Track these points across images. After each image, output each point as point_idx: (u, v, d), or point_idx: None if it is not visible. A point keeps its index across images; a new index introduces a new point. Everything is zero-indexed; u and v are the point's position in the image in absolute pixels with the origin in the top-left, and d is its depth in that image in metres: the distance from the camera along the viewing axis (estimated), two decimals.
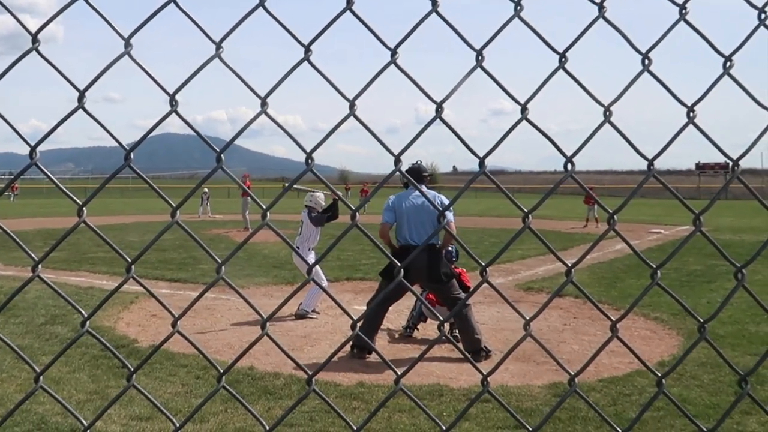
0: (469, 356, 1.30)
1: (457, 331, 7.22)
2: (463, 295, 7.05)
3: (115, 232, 21.12)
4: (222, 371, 1.18)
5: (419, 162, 7.46)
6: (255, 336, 1.18)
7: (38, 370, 1.11)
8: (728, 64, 1.30)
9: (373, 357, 6.72)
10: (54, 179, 1.12)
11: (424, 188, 7.10)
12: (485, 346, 6.91)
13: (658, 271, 1.32)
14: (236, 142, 1.32)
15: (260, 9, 1.17)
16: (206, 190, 30.65)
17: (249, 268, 12.85)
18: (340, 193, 1.52)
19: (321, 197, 9.29)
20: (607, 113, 1.26)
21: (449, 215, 6.77)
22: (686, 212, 1.31)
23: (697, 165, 68.66)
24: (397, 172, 1.19)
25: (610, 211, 1.27)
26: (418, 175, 7.14)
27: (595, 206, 24.27)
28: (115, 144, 1.15)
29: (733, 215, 30.13)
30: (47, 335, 7.47)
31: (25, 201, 47.48)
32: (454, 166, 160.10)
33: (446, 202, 6.68)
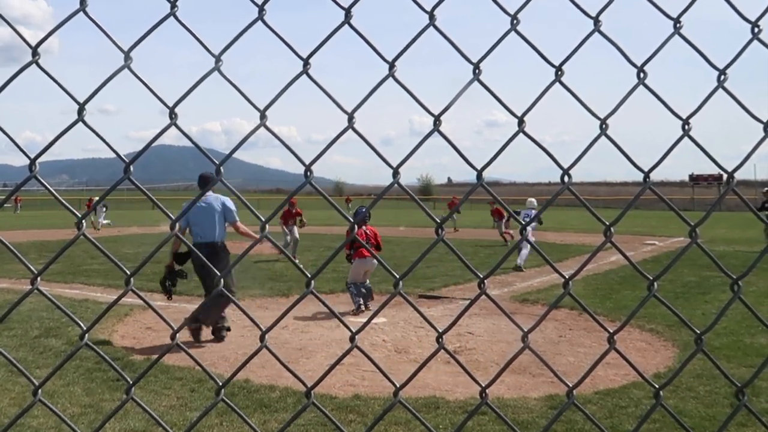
0: (467, 369, 1.30)
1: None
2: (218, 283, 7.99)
3: (110, 244, 21.04)
4: (221, 384, 1.18)
5: (208, 172, 8.11)
6: (250, 348, 1.19)
7: (37, 383, 1.11)
8: (722, 77, 1.31)
9: (368, 369, 6.70)
10: (54, 192, 1.12)
11: (209, 194, 7.97)
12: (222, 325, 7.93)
13: (655, 283, 1.33)
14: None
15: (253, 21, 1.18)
16: None
17: (244, 280, 12.80)
18: (340, 208, 1.47)
19: None
20: (603, 126, 1.27)
21: (235, 216, 7.98)
22: (680, 223, 1.31)
23: (691, 176, 69.05)
24: (396, 185, 1.19)
25: (607, 223, 1.27)
26: (205, 180, 7.95)
27: (503, 220, 21.25)
28: (111, 155, 1.16)
29: (727, 226, 30.22)
30: (41, 348, 7.42)
31: (20, 213, 47.39)
32: (449, 178, 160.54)
33: (230, 204, 8.00)
